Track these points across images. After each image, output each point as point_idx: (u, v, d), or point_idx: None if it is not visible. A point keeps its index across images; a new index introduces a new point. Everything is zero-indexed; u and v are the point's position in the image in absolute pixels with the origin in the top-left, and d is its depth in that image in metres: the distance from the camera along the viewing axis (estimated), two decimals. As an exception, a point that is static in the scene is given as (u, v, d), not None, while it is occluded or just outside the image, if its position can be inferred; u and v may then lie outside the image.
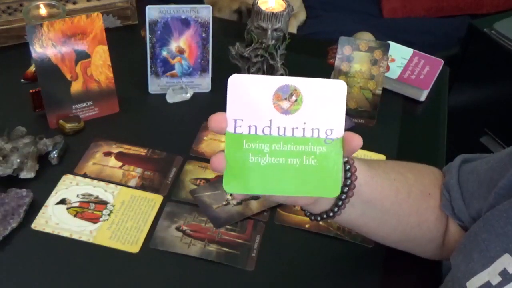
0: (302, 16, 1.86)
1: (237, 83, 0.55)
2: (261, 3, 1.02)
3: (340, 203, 0.64)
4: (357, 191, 0.64)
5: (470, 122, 1.78)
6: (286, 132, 0.55)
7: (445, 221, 0.75)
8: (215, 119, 0.55)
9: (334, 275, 0.80)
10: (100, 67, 0.96)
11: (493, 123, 1.73)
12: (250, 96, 0.55)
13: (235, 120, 0.55)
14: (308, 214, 0.67)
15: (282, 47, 1.05)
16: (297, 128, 0.55)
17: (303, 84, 0.55)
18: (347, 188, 0.63)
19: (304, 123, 0.55)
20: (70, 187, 0.88)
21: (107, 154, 0.94)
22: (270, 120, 0.55)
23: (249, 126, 0.55)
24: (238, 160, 0.55)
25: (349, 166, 0.62)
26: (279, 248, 0.83)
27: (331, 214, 0.64)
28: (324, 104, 0.55)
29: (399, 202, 0.70)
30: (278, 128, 0.55)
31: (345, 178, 0.62)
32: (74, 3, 1.17)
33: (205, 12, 1.00)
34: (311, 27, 1.83)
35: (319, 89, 0.55)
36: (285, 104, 0.55)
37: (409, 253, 0.83)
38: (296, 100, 0.55)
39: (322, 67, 1.14)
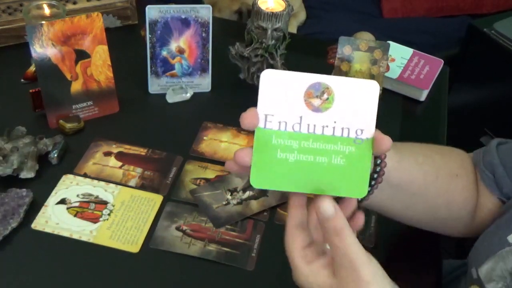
0: (302, 16, 1.86)
1: (270, 78, 0.54)
2: (261, 3, 1.02)
3: (369, 189, 0.62)
4: (385, 176, 0.62)
5: (470, 122, 1.78)
6: (316, 130, 0.54)
7: (473, 201, 0.76)
8: (247, 116, 0.54)
9: (334, 275, 0.80)
10: (100, 67, 0.96)
11: (493, 123, 1.73)
12: (282, 92, 0.54)
13: (266, 115, 0.54)
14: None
15: (282, 47, 1.06)
16: (327, 126, 0.54)
17: (336, 82, 0.54)
18: (376, 175, 0.62)
19: (335, 122, 0.54)
20: (70, 187, 0.88)
21: (107, 154, 0.94)
22: (301, 117, 0.54)
23: (279, 122, 0.54)
24: (266, 156, 0.55)
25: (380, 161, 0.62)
26: (279, 248, 0.83)
27: (359, 200, 0.63)
28: (355, 104, 0.54)
29: (426, 185, 0.71)
30: (308, 125, 0.54)
31: (375, 165, 0.61)
32: (74, 3, 1.17)
33: (205, 12, 1.00)
34: (311, 27, 1.83)
35: (351, 89, 0.54)
36: (317, 102, 0.54)
37: (409, 253, 0.84)
38: (327, 99, 0.54)
39: (322, 67, 1.14)
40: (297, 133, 0.55)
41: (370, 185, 0.62)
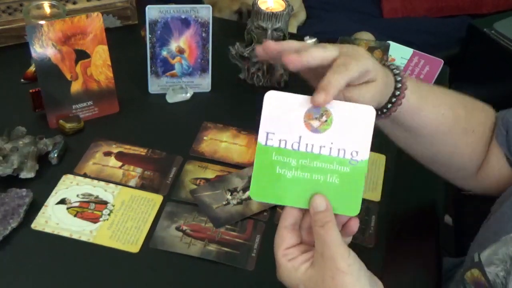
0: (302, 16, 1.86)
1: (272, 99, 0.58)
2: (261, 3, 1.02)
3: (385, 111, 0.67)
4: (397, 116, 0.67)
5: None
6: (314, 149, 0.58)
7: (481, 156, 0.77)
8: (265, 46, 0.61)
9: (334, 275, 0.80)
10: (100, 67, 0.96)
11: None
12: (283, 113, 0.58)
13: (267, 133, 0.58)
14: None
15: (282, 47, 1.05)
16: (324, 146, 0.58)
17: (335, 106, 0.58)
18: (386, 110, 0.67)
19: (332, 143, 0.58)
20: (70, 187, 0.88)
21: (107, 154, 0.94)
22: (300, 137, 0.58)
23: (280, 140, 0.58)
24: (266, 171, 0.58)
25: (400, 85, 0.66)
26: (279, 248, 0.83)
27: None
28: (352, 127, 0.58)
29: (437, 134, 0.73)
30: (307, 144, 0.58)
31: (392, 96, 0.66)
32: (74, 3, 1.17)
33: (205, 12, 1.00)
34: (311, 27, 1.83)
35: (349, 112, 0.58)
36: (315, 123, 0.58)
37: (409, 253, 0.84)
38: (326, 121, 0.58)
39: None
40: (296, 152, 0.58)
41: (385, 110, 0.67)
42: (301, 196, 0.58)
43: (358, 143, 0.58)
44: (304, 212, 0.59)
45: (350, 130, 0.58)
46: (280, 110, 0.58)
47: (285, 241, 0.58)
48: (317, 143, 0.58)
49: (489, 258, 0.68)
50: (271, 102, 0.58)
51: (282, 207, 0.59)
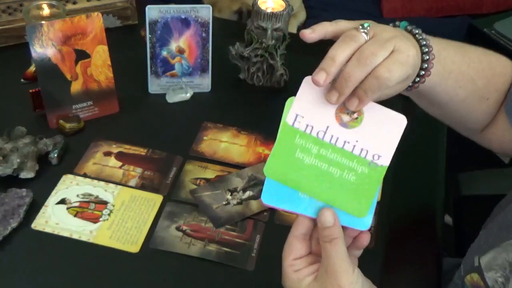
0: (302, 16, 1.86)
1: (310, 84, 0.57)
2: (261, 3, 1.02)
3: (410, 85, 0.66)
4: (413, 90, 0.67)
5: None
6: (338, 142, 0.57)
7: (491, 118, 0.77)
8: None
9: (334, 275, 0.80)
10: (100, 67, 0.96)
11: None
12: (317, 100, 0.57)
13: (296, 115, 0.57)
14: None
15: (282, 47, 1.06)
16: (348, 142, 0.57)
17: (369, 106, 0.57)
18: (411, 83, 0.65)
19: (356, 141, 0.57)
20: (70, 187, 0.88)
21: (107, 154, 0.94)
22: (327, 127, 0.57)
23: (307, 125, 0.57)
24: (286, 151, 0.57)
25: (427, 57, 0.64)
26: (279, 248, 0.83)
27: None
28: (380, 131, 0.58)
29: (452, 102, 0.72)
30: (332, 136, 0.57)
31: (421, 69, 0.64)
32: (74, 3, 1.17)
33: (205, 12, 1.00)
34: (311, 27, 1.83)
35: (381, 116, 0.58)
36: (346, 118, 0.58)
37: (409, 253, 0.84)
38: (356, 118, 0.58)
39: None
40: (320, 140, 0.57)
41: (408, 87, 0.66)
42: (313, 186, 0.57)
43: (383, 148, 0.57)
44: (316, 222, 0.58)
45: (378, 133, 0.57)
46: (315, 96, 0.57)
47: (294, 251, 0.58)
48: (343, 137, 0.57)
49: (489, 263, 0.67)
50: (308, 87, 0.57)
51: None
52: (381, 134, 0.57)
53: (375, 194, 0.58)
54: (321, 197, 0.57)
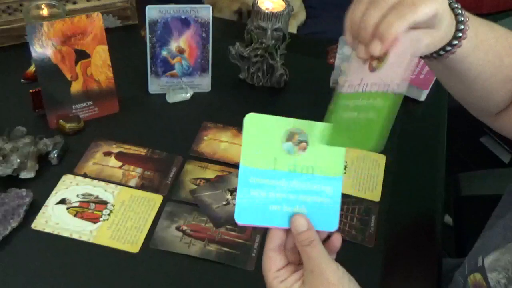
0: (302, 16, 1.86)
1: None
2: (261, 3, 1.02)
3: (448, 47, 0.64)
4: (445, 58, 0.65)
5: (470, 122, 1.78)
6: (367, 88, 0.58)
7: (509, 102, 0.76)
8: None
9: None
10: (100, 67, 0.96)
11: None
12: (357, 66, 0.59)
13: (345, 80, 0.60)
14: None
15: (282, 47, 1.06)
16: (375, 84, 0.57)
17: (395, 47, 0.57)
18: (436, 55, 0.64)
19: (381, 80, 0.57)
20: (70, 187, 0.88)
21: (107, 154, 0.94)
22: (361, 79, 0.58)
23: (348, 85, 0.60)
24: (342, 114, 0.59)
25: (460, 35, 0.63)
26: (279, 248, 0.83)
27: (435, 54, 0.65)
28: (400, 63, 0.56)
29: (476, 79, 0.71)
30: (364, 84, 0.58)
31: (448, 44, 0.63)
32: (74, 3, 1.17)
33: (205, 12, 1.00)
34: (311, 27, 1.83)
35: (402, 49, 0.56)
36: (374, 63, 0.58)
37: (409, 253, 0.84)
38: (378, 59, 0.57)
39: (322, 67, 1.14)
40: (355, 94, 0.59)
41: (435, 55, 0.65)
42: (348, 136, 0.58)
43: (401, 77, 0.56)
44: (288, 232, 0.59)
45: (398, 66, 0.56)
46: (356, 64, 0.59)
47: (275, 262, 0.58)
48: (371, 81, 0.58)
49: (492, 264, 0.67)
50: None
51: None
52: (401, 65, 0.56)
53: (389, 125, 0.59)
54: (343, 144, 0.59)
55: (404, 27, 0.54)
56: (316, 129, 0.59)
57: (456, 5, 0.64)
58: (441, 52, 0.64)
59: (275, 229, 0.59)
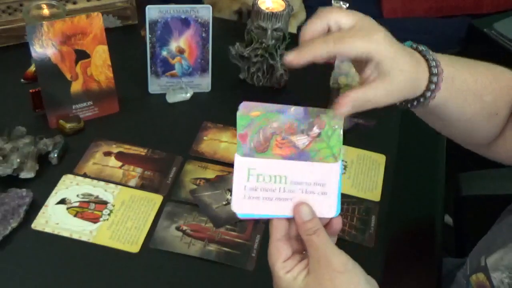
0: (302, 16, 1.86)
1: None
2: (261, 3, 1.02)
3: (421, 99, 0.63)
4: (421, 105, 0.64)
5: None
6: None
7: (499, 132, 0.75)
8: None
9: (334, 275, 0.80)
10: (100, 67, 0.96)
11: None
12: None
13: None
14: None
15: (282, 47, 1.05)
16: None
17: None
18: (416, 103, 0.63)
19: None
20: (70, 187, 0.88)
21: (107, 154, 0.94)
22: None
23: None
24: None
25: (436, 80, 0.62)
26: (279, 248, 0.83)
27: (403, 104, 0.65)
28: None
29: (460, 119, 0.70)
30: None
31: (426, 89, 0.62)
32: (74, 3, 1.17)
33: (205, 12, 1.00)
34: (311, 27, 1.83)
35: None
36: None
37: (409, 253, 0.84)
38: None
39: (322, 67, 1.14)
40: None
41: (416, 103, 0.64)
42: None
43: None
44: (290, 221, 0.59)
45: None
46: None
47: (283, 253, 0.58)
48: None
49: (496, 263, 0.67)
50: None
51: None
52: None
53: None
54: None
55: (323, 52, 0.56)
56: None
57: (431, 56, 0.63)
58: (414, 103, 0.64)
59: (277, 219, 0.58)
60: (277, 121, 0.59)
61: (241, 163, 0.59)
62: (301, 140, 0.59)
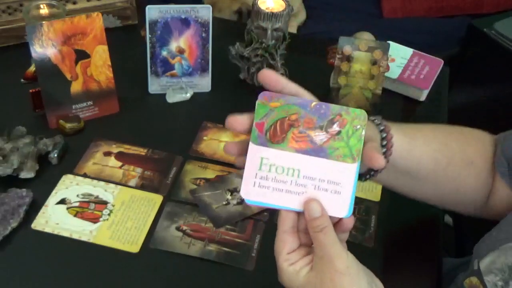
0: (302, 16, 1.86)
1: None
2: (261, 3, 1.02)
3: (372, 172, 0.65)
4: (391, 162, 0.65)
5: (470, 122, 1.78)
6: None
7: (487, 187, 0.75)
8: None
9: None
10: (100, 67, 0.96)
11: (492, 122, 1.73)
12: None
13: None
14: None
15: (282, 47, 1.05)
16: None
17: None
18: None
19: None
20: (70, 187, 0.88)
21: (107, 154, 0.94)
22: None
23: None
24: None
25: (385, 135, 0.64)
26: (279, 248, 0.83)
27: (363, 178, 0.67)
28: None
29: (436, 171, 0.71)
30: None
31: (381, 147, 0.64)
32: (74, 3, 1.17)
33: (205, 12, 1.00)
34: (311, 27, 1.83)
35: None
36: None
37: (409, 253, 0.84)
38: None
39: (322, 67, 1.14)
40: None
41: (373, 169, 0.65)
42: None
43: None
44: (299, 214, 0.59)
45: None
46: None
47: (287, 245, 0.58)
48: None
49: (488, 266, 0.67)
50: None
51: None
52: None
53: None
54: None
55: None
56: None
57: (379, 122, 0.66)
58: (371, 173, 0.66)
59: (285, 211, 0.58)
60: (296, 114, 0.58)
61: (254, 151, 0.58)
62: (319, 136, 0.58)
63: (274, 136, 0.58)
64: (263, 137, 0.58)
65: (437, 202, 0.78)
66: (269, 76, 0.59)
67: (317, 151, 0.58)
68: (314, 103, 0.58)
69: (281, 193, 0.58)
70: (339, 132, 0.58)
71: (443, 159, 0.71)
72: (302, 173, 0.57)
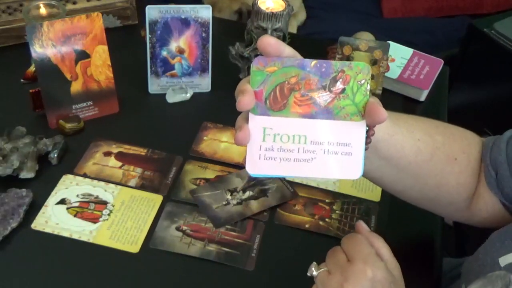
0: (302, 16, 1.86)
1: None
2: (261, 3, 1.02)
3: (367, 140, 0.62)
4: (373, 146, 0.62)
5: (470, 122, 1.77)
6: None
7: (470, 187, 0.73)
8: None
9: (334, 275, 0.80)
10: (100, 67, 0.96)
11: (492, 123, 1.73)
12: None
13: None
14: None
15: (282, 47, 1.05)
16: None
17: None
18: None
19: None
20: (70, 187, 0.88)
21: (107, 154, 0.94)
22: None
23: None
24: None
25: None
26: (279, 248, 0.83)
27: None
28: None
29: (418, 163, 0.69)
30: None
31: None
32: (74, 3, 1.17)
33: (205, 12, 1.00)
34: (311, 27, 1.83)
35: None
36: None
37: (409, 253, 0.84)
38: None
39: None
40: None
41: None
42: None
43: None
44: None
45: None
46: None
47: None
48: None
49: None
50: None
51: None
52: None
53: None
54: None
55: None
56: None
57: None
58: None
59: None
60: (296, 77, 0.54)
61: (255, 122, 0.55)
62: (323, 97, 0.54)
63: (275, 103, 0.55)
64: (263, 106, 0.55)
65: (420, 200, 0.76)
66: (269, 42, 0.54)
67: (323, 113, 0.54)
68: (314, 62, 0.54)
69: (289, 163, 0.54)
70: (343, 90, 0.54)
71: (425, 151, 0.69)
72: (309, 138, 0.54)
